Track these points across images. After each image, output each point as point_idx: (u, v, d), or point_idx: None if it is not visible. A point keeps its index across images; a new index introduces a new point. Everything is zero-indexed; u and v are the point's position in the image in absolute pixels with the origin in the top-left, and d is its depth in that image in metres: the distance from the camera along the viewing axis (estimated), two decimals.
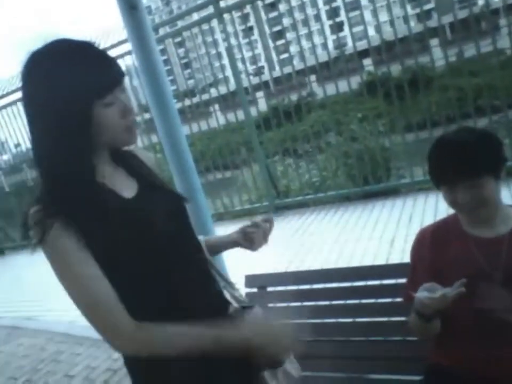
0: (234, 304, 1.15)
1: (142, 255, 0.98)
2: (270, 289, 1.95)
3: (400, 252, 3.80)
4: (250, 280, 1.98)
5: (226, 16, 5.58)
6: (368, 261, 3.79)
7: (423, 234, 1.49)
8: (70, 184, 0.95)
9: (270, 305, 1.87)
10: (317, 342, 1.70)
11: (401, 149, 5.68)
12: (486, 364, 1.32)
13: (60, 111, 0.92)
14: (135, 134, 1.06)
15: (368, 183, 5.47)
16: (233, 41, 5.95)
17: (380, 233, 4.35)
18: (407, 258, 3.70)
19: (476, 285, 1.32)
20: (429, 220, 4.34)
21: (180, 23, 6.26)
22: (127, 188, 1.07)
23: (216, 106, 6.85)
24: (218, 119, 6.49)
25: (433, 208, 4.65)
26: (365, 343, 1.63)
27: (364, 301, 1.68)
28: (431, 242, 1.44)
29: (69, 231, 0.93)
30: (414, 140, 5.53)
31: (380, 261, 3.72)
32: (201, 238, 1.25)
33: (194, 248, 1.13)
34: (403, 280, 1.64)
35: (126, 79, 1.09)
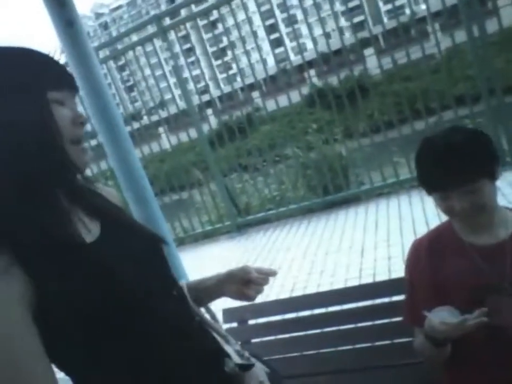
0: (235, 359, 0.94)
1: (108, 312, 0.77)
2: (251, 322, 1.76)
3: (373, 261, 3.70)
4: (228, 314, 1.77)
5: (168, 35, 5.42)
6: (341, 273, 3.67)
7: (418, 247, 1.35)
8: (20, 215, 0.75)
9: (254, 340, 1.67)
10: (313, 376, 1.52)
11: (358, 155, 5.69)
12: None
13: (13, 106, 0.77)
14: (86, 153, 0.88)
15: (329, 192, 5.41)
16: (172, 65, 5.78)
17: (348, 243, 4.25)
18: (379, 268, 3.67)
19: (483, 298, 1.19)
20: (395, 225, 4.30)
21: (121, 45, 6.04)
22: (86, 231, 0.85)
23: (165, 128, 6.64)
24: (169, 139, 6.26)
25: (396, 212, 4.63)
26: (367, 372, 1.46)
27: (360, 324, 1.52)
28: (428, 255, 1.30)
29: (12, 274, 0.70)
30: (369, 144, 5.55)
31: (354, 272, 3.61)
32: (182, 283, 1.04)
33: (174, 300, 0.92)
34: (398, 298, 1.50)
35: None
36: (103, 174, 6.32)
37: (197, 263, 4.78)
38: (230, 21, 5.44)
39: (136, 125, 6.47)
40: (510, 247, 1.21)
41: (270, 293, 3.77)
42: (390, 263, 3.57)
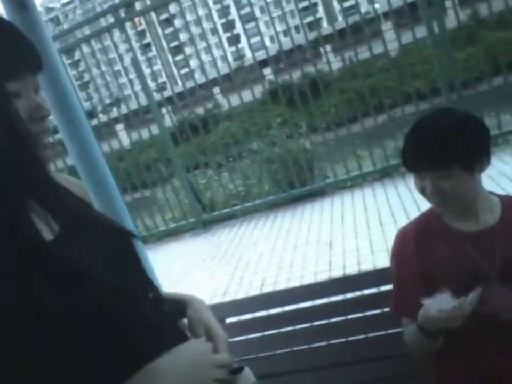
0: None
1: (72, 317, 0.67)
2: (229, 320, 1.68)
3: (341, 254, 3.70)
4: None
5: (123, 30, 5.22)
6: (311, 267, 3.65)
7: (404, 235, 1.31)
8: None
9: (235, 339, 1.59)
10: (300, 372, 1.46)
11: (322, 149, 5.72)
12: (494, 375, 1.17)
13: None
14: (47, 149, 0.77)
15: (294, 186, 5.40)
16: (131, 57, 5.60)
17: (315, 236, 4.24)
18: (348, 260, 3.68)
19: (473, 285, 1.17)
20: (361, 217, 4.33)
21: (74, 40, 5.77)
22: (44, 228, 0.75)
23: (124, 124, 6.45)
24: (129, 136, 6.06)
25: (362, 204, 4.67)
26: (357, 365, 1.42)
27: (349, 316, 1.47)
28: (415, 243, 1.26)
29: None
30: (333, 138, 5.59)
31: (323, 265, 3.60)
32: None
33: (149, 303, 0.82)
34: (386, 288, 1.47)
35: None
36: (61, 172, 6.04)
37: (162, 262, 4.65)
38: (188, 17, 5.32)
39: (93, 122, 6.23)
40: (499, 232, 1.20)
41: (239, 289, 3.71)
42: (359, 255, 3.59)
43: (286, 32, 5.94)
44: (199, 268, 4.50)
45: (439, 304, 1.06)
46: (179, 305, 1.00)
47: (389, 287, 1.45)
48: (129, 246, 0.86)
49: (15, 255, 0.65)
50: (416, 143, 1.17)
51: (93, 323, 0.68)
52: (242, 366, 0.89)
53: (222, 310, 1.67)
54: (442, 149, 1.13)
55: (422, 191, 1.21)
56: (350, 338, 1.51)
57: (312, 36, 6.42)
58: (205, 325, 0.94)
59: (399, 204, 4.29)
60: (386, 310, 1.47)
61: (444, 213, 1.26)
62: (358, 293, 1.50)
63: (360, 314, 1.51)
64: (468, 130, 1.16)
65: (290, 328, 1.48)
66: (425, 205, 4.05)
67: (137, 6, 6.10)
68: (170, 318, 0.87)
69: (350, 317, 1.51)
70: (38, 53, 0.77)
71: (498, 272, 1.17)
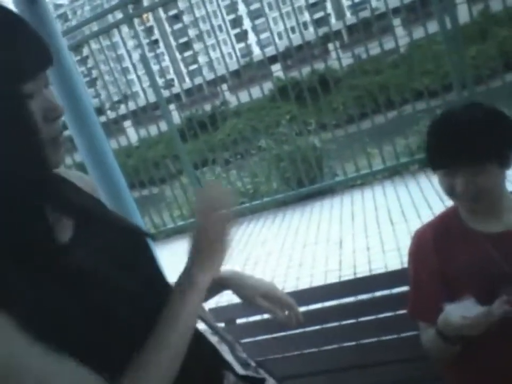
0: (239, 371, 0.84)
1: (91, 319, 0.65)
2: (240, 321, 1.65)
3: (351, 253, 3.66)
4: (215, 313, 1.66)
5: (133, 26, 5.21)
6: (320, 266, 3.62)
7: (422, 236, 1.28)
8: None
9: (244, 340, 1.56)
10: (310, 376, 1.43)
11: (331, 147, 5.67)
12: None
13: None
14: (62, 149, 0.73)
15: (303, 184, 5.35)
16: (140, 53, 5.57)
17: (325, 235, 4.20)
18: (359, 259, 3.63)
19: (495, 288, 1.13)
20: (371, 216, 4.28)
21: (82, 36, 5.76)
22: (58, 229, 0.72)
23: (132, 121, 6.44)
24: (138, 133, 6.05)
25: (372, 203, 4.61)
26: (369, 369, 1.39)
27: (361, 319, 1.44)
28: (434, 244, 1.23)
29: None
30: (342, 135, 5.54)
31: (333, 264, 3.56)
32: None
33: (163, 303, 0.80)
34: (399, 290, 1.43)
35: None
36: (69, 168, 6.04)
37: (171, 260, 4.62)
38: (197, 14, 5.29)
39: (101, 119, 6.22)
40: None
41: None
42: (369, 254, 3.54)
43: (294, 29, 5.89)
44: None
45: (462, 310, 1.02)
46: (214, 285, 0.99)
47: (401, 289, 1.41)
48: (142, 245, 0.84)
49: (33, 263, 0.63)
50: (453, 137, 1.11)
51: (99, 324, 0.66)
52: (264, 378, 0.85)
53: (232, 310, 1.64)
54: (481, 143, 1.09)
55: (451, 189, 1.16)
56: (361, 341, 1.48)
57: (321, 32, 6.36)
58: (260, 292, 0.97)
59: (410, 202, 4.23)
60: (399, 312, 1.43)
61: (472, 212, 1.21)
62: (369, 295, 1.47)
63: (372, 317, 1.47)
64: (502, 124, 1.13)
65: (301, 330, 1.45)
66: (436, 203, 4.02)
67: (145, 2, 6.09)
68: None
69: (361, 319, 1.48)
70: (49, 48, 0.73)
71: None
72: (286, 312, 0.98)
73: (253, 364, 0.89)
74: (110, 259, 0.74)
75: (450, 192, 1.17)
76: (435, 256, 1.21)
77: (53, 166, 0.71)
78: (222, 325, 1.67)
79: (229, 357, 0.86)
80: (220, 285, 1.00)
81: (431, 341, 1.17)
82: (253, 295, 0.97)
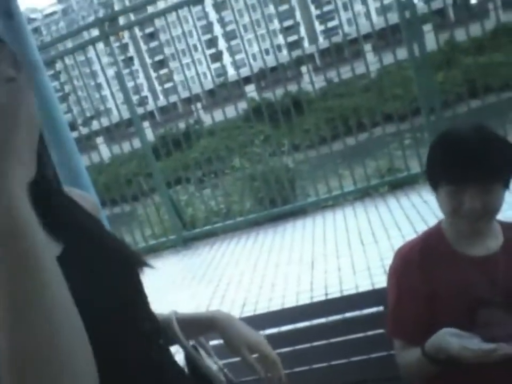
0: None
1: None
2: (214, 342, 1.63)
3: (323, 273, 3.69)
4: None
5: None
6: (293, 286, 3.62)
7: (407, 254, 1.26)
8: None
9: (225, 361, 1.54)
10: None
11: (304, 167, 5.74)
12: None
13: None
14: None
15: (276, 205, 5.39)
16: (115, 70, 5.55)
17: (298, 256, 4.22)
18: (330, 279, 3.65)
19: (475, 310, 1.15)
20: (343, 237, 4.33)
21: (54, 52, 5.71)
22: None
23: (103, 138, 6.37)
24: (111, 149, 5.99)
25: (343, 224, 4.68)
26: None
27: (332, 340, 1.44)
28: (419, 263, 1.22)
29: None
30: (315, 156, 5.62)
31: (305, 285, 3.57)
32: (171, 314, 0.91)
33: (144, 333, 0.77)
34: (372, 310, 1.45)
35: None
36: None
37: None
38: (173, 32, 5.33)
39: (73, 134, 6.13)
40: (502, 259, 1.18)
41: (221, 309, 3.64)
42: (341, 274, 3.57)
43: (268, 51, 6.01)
44: (179, 287, 4.42)
45: (465, 341, 1.03)
46: (203, 326, 0.97)
47: (372, 309, 1.43)
48: (135, 273, 0.81)
49: None
50: (466, 153, 1.11)
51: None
52: None
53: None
54: (493, 161, 1.10)
55: (456, 207, 1.14)
56: (332, 362, 1.48)
57: (294, 55, 6.50)
58: (248, 344, 0.92)
59: (380, 224, 4.31)
60: (369, 333, 1.44)
61: (459, 235, 1.22)
62: (340, 316, 1.48)
63: (343, 338, 1.47)
64: (508, 147, 1.15)
65: (288, 348, 1.45)
66: (404, 225, 4.12)
67: (121, 20, 6.10)
68: (165, 351, 0.84)
69: (332, 340, 1.47)
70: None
71: (500, 299, 1.15)
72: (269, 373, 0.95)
73: None
74: (92, 279, 0.72)
75: (455, 210, 1.15)
76: (419, 275, 1.21)
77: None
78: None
79: None
80: (208, 326, 0.97)
81: (412, 361, 1.17)
82: (240, 345, 0.93)
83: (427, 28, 5.33)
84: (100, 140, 6.35)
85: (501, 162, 1.11)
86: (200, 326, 0.98)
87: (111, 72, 7.50)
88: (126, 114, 5.66)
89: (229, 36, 5.92)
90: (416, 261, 1.22)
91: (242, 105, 6.32)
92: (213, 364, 0.95)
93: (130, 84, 6.44)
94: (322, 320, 1.53)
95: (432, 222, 1.35)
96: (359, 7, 46.35)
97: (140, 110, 5.98)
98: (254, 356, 0.94)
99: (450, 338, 1.06)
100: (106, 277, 0.74)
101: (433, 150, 1.19)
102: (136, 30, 5.42)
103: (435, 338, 1.10)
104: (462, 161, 1.11)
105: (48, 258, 0.46)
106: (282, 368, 0.96)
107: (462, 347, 1.03)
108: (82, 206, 0.82)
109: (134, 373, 0.72)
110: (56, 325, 0.44)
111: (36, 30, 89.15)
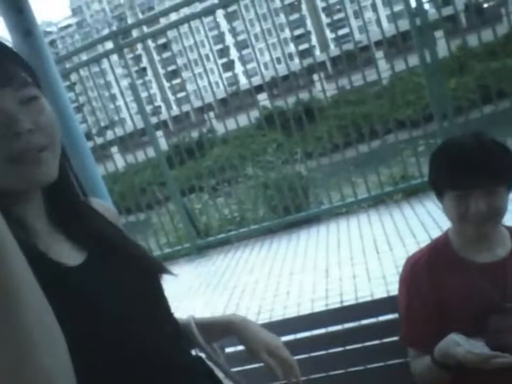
0: None
1: (87, 343, 0.65)
2: (229, 349, 1.65)
3: (338, 281, 3.68)
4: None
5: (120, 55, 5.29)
6: (307, 294, 3.62)
7: (416, 263, 1.29)
8: None
9: (235, 369, 1.55)
10: None
11: (317, 175, 5.75)
12: None
13: None
14: (36, 167, 0.67)
15: (290, 212, 5.39)
16: (129, 81, 5.65)
17: (312, 263, 4.22)
18: (345, 287, 3.65)
19: (484, 317, 1.15)
20: (357, 244, 4.32)
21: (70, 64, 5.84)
22: (70, 253, 0.74)
23: (117, 148, 6.46)
24: (125, 159, 6.07)
25: (357, 231, 4.67)
26: None
27: (348, 347, 1.45)
28: (428, 272, 1.24)
29: None
30: (328, 164, 5.63)
31: (320, 292, 3.57)
32: (190, 318, 0.94)
33: (166, 339, 0.80)
34: (388, 317, 1.46)
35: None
36: None
37: None
38: (185, 43, 5.42)
39: (89, 144, 6.23)
40: (510, 265, 1.19)
41: None
42: (356, 282, 3.56)
43: (280, 59, 6.05)
44: (193, 294, 4.44)
45: (469, 345, 1.04)
46: (220, 330, 1.00)
47: (387, 317, 1.44)
48: (153, 280, 0.84)
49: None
50: (470, 159, 1.15)
51: (89, 354, 0.66)
52: None
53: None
54: (496, 165, 1.13)
55: (463, 211, 1.16)
56: (349, 369, 1.49)
57: (306, 63, 6.55)
58: (267, 347, 0.94)
59: (395, 231, 4.29)
60: (385, 340, 1.45)
61: (466, 242, 1.24)
62: (356, 323, 1.49)
63: (359, 345, 1.48)
64: (508, 151, 1.18)
65: (305, 355, 1.46)
66: (419, 232, 4.10)
67: (134, 32, 6.22)
68: (186, 356, 0.86)
69: (348, 347, 1.49)
70: (6, 68, 0.67)
71: (509, 306, 1.16)
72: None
73: None
74: (115, 287, 0.74)
75: (462, 214, 1.17)
76: (428, 283, 1.23)
77: (25, 185, 0.67)
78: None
79: None
80: (225, 329, 0.99)
81: (424, 368, 1.18)
82: (259, 349, 0.95)
83: (438, 34, 5.33)
84: (114, 150, 6.46)
85: (502, 166, 1.14)
86: (217, 329, 1.00)
87: (124, 83, 7.62)
88: (140, 124, 5.73)
89: (240, 45, 5.98)
90: (424, 270, 1.24)
91: (255, 113, 6.38)
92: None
93: (143, 94, 6.53)
94: (339, 327, 1.54)
95: None
96: (369, 15, 46.46)
97: (154, 120, 6.06)
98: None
99: (456, 343, 1.07)
100: (129, 282, 0.77)
101: (435, 159, 1.22)
102: (149, 41, 5.50)
103: (442, 344, 1.11)
104: (465, 166, 1.14)
105: (17, 263, 0.43)
106: (299, 372, 0.97)
107: (467, 351, 1.04)
108: (103, 215, 0.84)
109: (158, 373, 0.74)
110: (26, 332, 0.42)
111: (52, 43, 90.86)
